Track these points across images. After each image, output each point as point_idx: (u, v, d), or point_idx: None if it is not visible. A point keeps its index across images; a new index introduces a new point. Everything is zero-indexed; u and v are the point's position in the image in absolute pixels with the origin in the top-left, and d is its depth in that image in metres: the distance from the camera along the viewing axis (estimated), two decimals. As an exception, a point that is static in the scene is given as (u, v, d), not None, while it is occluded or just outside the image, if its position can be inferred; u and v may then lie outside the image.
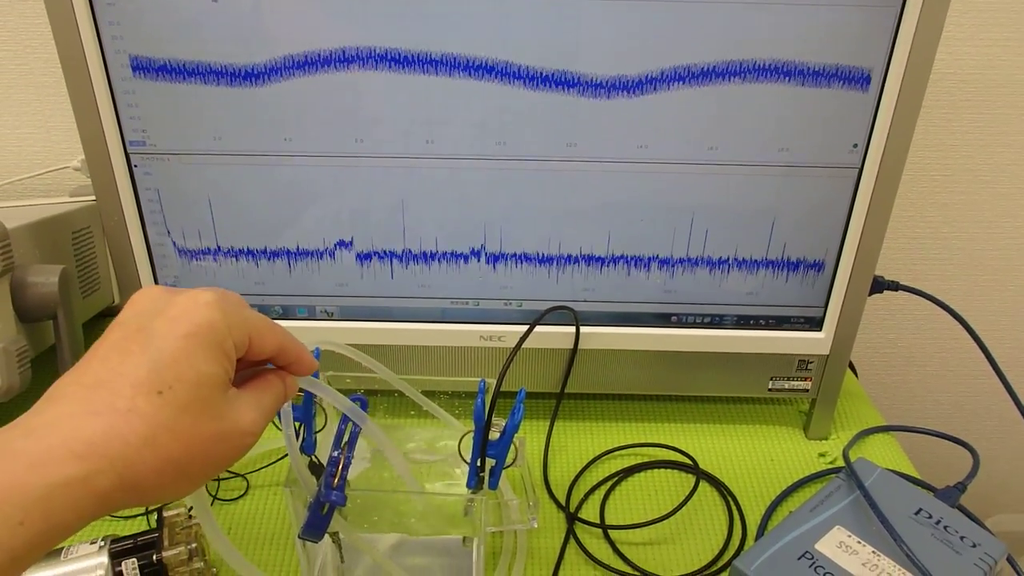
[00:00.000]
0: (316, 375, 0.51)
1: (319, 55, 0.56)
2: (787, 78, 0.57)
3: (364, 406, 0.46)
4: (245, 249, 0.63)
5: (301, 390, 0.43)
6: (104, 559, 0.50)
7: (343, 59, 0.56)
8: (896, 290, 0.68)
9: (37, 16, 0.81)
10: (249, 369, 0.39)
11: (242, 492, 0.64)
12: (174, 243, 0.63)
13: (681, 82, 0.57)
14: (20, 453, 0.30)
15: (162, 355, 0.33)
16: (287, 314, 0.66)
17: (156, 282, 0.64)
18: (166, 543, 0.52)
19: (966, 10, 0.84)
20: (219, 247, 0.63)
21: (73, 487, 0.30)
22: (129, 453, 0.31)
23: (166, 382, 0.33)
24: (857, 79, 0.57)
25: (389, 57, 0.56)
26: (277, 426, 0.46)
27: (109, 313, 0.79)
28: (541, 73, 0.56)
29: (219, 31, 0.55)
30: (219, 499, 0.63)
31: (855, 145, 0.59)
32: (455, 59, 0.56)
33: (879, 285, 0.67)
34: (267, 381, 0.39)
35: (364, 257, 0.63)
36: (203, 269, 0.64)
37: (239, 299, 0.38)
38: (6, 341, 0.58)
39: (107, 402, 0.32)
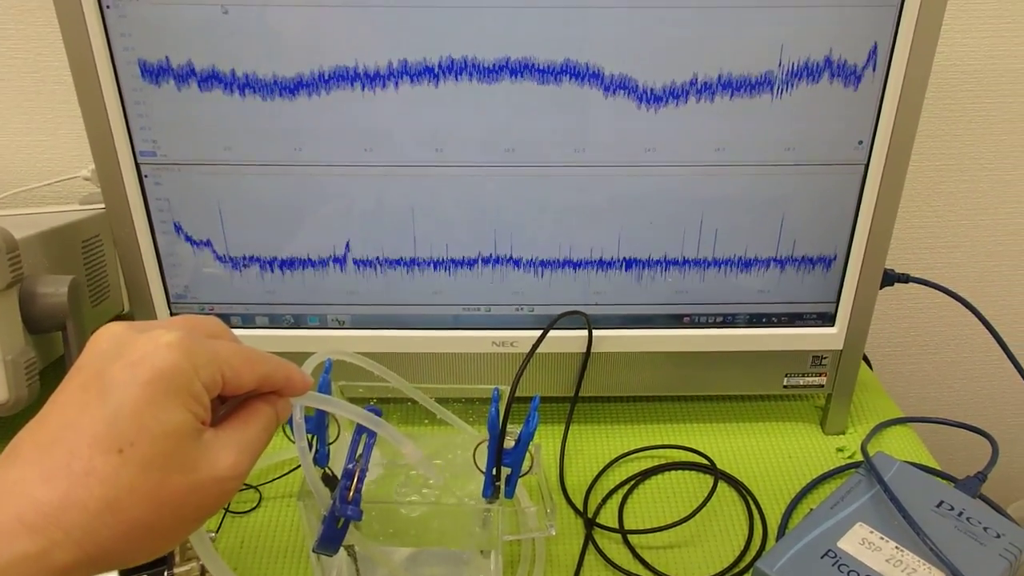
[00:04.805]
0: (327, 388, 0.51)
1: (328, 65, 0.55)
2: (791, 79, 0.56)
3: (377, 416, 0.46)
4: (256, 258, 0.63)
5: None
6: (113, 574, 0.50)
7: (352, 70, 0.56)
8: (907, 282, 0.68)
9: (48, 25, 0.81)
10: (235, 399, 0.36)
11: (255, 504, 0.63)
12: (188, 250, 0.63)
13: (688, 85, 0.56)
14: None
15: (122, 407, 0.30)
16: (299, 323, 0.66)
17: (166, 291, 0.64)
18: (177, 559, 0.51)
19: (963, 3, 0.84)
20: (230, 256, 0.63)
21: (27, 564, 0.28)
22: (88, 521, 0.29)
23: (127, 438, 0.30)
24: (859, 78, 0.57)
25: (398, 68, 0.55)
26: (290, 438, 0.45)
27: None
28: (549, 79, 0.56)
29: (229, 42, 0.55)
30: (231, 512, 0.62)
31: (860, 142, 0.59)
32: (463, 67, 0.55)
33: (890, 278, 0.66)
34: (252, 412, 0.35)
35: (375, 265, 0.63)
36: (214, 278, 0.64)
37: (215, 328, 0.35)
38: (14, 353, 0.58)
39: (63, 464, 0.29)
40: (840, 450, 0.69)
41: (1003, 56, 0.87)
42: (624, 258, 0.63)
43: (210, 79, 0.56)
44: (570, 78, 0.56)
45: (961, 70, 0.88)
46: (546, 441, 0.69)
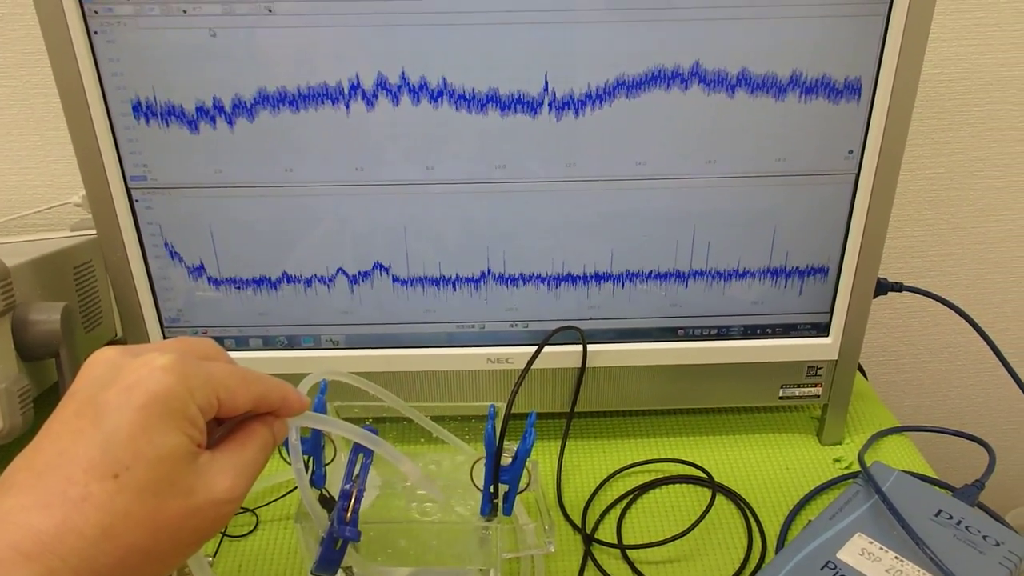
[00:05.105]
0: (323, 409, 0.51)
1: (317, 86, 0.56)
2: (780, 90, 0.57)
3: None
4: (248, 279, 0.63)
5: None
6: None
7: (341, 90, 0.56)
8: (900, 291, 0.68)
9: (36, 52, 0.82)
10: (231, 421, 0.36)
11: (251, 528, 0.63)
12: (180, 274, 0.63)
13: (677, 92, 0.57)
14: None
15: (117, 432, 0.30)
16: (292, 344, 0.65)
17: (159, 315, 0.64)
18: (176, 586, 0.51)
19: (948, 12, 0.85)
20: (222, 278, 0.63)
21: None
22: (85, 548, 0.29)
23: (122, 463, 0.30)
24: (848, 89, 0.57)
25: (387, 87, 0.56)
26: (286, 460, 0.45)
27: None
28: (538, 94, 0.56)
29: (218, 65, 0.55)
30: (228, 535, 0.62)
31: (850, 152, 0.59)
32: (453, 85, 0.56)
33: (883, 287, 0.66)
34: (248, 433, 0.35)
35: (367, 284, 0.63)
36: (206, 301, 0.64)
37: (209, 349, 0.35)
38: (8, 381, 0.58)
39: (59, 491, 0.29)
40: (837, 460, 0.69)
41: (990, 64, 0.88)
42: (618, 272, 0.63)
43: (199, 107, 0.56)
44: (560, 92, 0.56)
45: (949, 78, 0.89)
46: (543, 457, 0.69)
